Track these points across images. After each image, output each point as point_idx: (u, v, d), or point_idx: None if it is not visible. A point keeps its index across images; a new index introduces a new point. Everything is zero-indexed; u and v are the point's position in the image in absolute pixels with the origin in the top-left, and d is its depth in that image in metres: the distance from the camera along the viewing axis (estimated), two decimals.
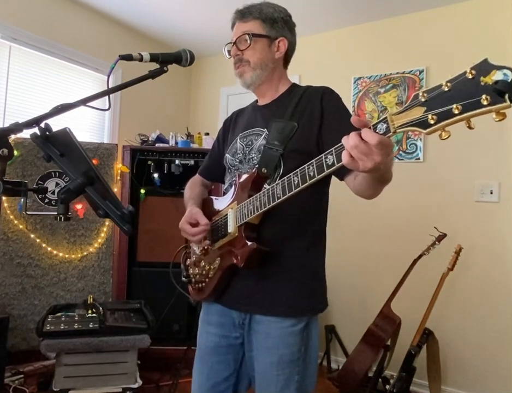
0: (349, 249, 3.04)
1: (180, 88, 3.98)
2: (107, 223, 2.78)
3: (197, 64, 3.89)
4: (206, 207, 1.30)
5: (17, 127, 0.83)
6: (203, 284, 1.25)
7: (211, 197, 1.36)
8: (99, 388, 2.20)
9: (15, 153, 2.46)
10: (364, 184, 0.99)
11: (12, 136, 0.88)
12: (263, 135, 1.21)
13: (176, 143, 3.23)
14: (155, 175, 3.02)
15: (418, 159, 2.81)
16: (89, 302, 2.50)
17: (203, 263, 1.27)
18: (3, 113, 2.65)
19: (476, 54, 2.58)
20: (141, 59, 1.06)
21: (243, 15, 1.25)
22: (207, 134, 3.44)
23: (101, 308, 2.41)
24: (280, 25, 1.25)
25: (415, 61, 2.82)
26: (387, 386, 2.40)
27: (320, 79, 3.23)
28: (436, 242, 2.46)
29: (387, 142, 0.74)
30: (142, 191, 3.00)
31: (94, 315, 2.36)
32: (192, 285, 1.31)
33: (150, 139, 3.23)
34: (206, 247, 1.27)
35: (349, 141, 0.75)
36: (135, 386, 2.26)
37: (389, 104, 2.93)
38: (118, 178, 2.93)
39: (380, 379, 2.46)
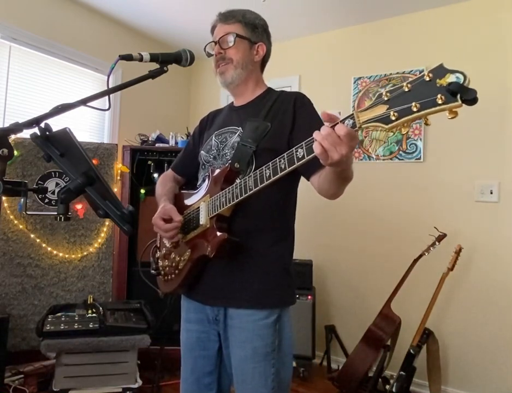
0: (348, 249, 3.04)
1: (180, 88, 3.98)
2: (107, 223, 2.78)
3: (197, 64, 3.87)
4: (178, 202, 1.32)
5: (17, 127, 0.83)
6: (173, 275, 1.26)
7: (183, 192, 1.39)
8: (99, 388, 2.20)
9: (15, 153, 2.46)
10: (327, 181, 1.04)
11: (12, 136, 0.88)
12: (237, 133, 1.26)
13: (176, 143, 3.23)
14: (155, 175, 3.02)
15: (418, 159, 2.81)
16: (89, 302, 2.51)
17: (173, 256, 1.28)
18: (3, 113, 2.65)
19: (476, 54, 2.60)
20: (141, 59, 1.06)
21: (226, 17, 1.31)
22: None
23: (101, 308, 2.41)
24: (260, 31, 1.33)
25: (415, 61, 2.82)
26: (387, 386, 2.40)
27: (320, 79, 3.24)
28: (436, 242, 2.46)
29: (355, 135, 0.81)
30: (142, 191, 3.00)
31: (94, 315, 2.36)
32: (161, 278, 1.33)
33: (150, 139, 3.23)
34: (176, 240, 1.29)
35: (321, 131, 0.81)
36: (135, 386, 2.26)
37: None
38: (118, 178, 2.93)
39: (380, 379, 2.46)
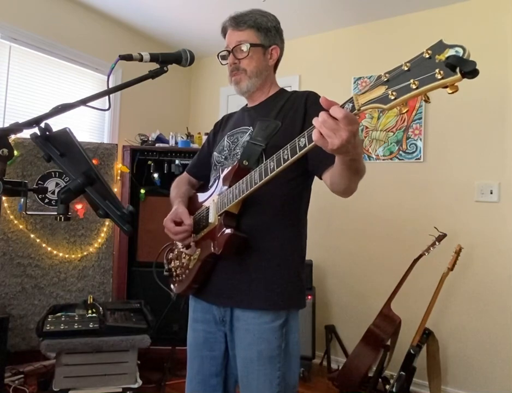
0: (348, 249, 3.04)
1: (180, 88, 3.98)
2: (107, 223, 2.78)
3: (197, 64, 3.88)
4: (192, 204, 1.33)
5: (17, 127, 0.83)
6: (183, 276, 1.27)
7: (197, 194, 1.39)
8: (99, 388, 2.20)
9: (15, 153, 2.46)
10: (338, 174, 1.01)
11: (12, 136, 0.88)
12: (248, 132, 1.27)
13: (176, 143, 3.23)
14: (155, 175, 3.02)
15: (418, 159, 2.81)
16: (89, 302, 2.50)
17: (184, 256, 1.29)
18: (3, 113, 2.65)
19: (476, 54, 2.59)
20: (141, 59, 1.06)
21: (237, 23, 1.29)
22: (207, 134, 3.44)
23: (101, 308, 2.41)
24: (273, 34, 1.32)
25: None
26: (387, 386, 2.40)
27: (320, 79, 3.24)
28: (436, 242, 2.46)
29: (353, 118, 0.78)
30: (142, 191, 3.00)
31: (94, 315, 2.36)
32: (173, 279, 1.33)
33: (150, 139, 3.23)
34: None
35: (318, 118, 0.80)
36: (135, 386, 2.26)
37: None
38: (118, 178, 2.93)
39: (380, 379, 2.46)
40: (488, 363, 2.50)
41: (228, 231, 1.10)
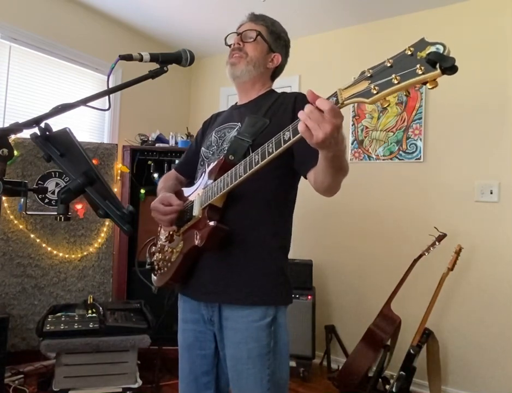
0: (348, 249, 3.04)
1: (180, 88, 3.98)
2: (107, 223, 2.78)
3: (197, 64, 3.88)
4: (178, 198, 1.33)
5: (17, 127, 0.83)
6: (165, 268, 1.26)
7: (182, 188, 1.40)
8: (99, 388, 2.20)
9: (15, 153, 2.46)
10: (321, 171, 1.02)
11: (12, 136, 0.88)
12: (236, 128, 1.28)
13: (176, 143, 3.23)
14: (155, 175, 3.03)
15: (418, 159, 2.81)
16: (89, 302, 2.50)
17: (166, 249, 1.29)
18: (3, 113, 2.65)
19: (476, 54, 2.60)
20: (141, 59, 1.06)
21: (256, 17, 1.36)
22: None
23: (101, 308, 2.41)
24: (281, 44, 1.37)
25: None
26: (387, 386, 2.40)
27: (319, 79, 3.24)
28: (436, 242, 2.46)
29: (338, 111, 0.80)
30: (142, 191, 3.00)
31: (94, 315, 2.36)
32: (155, 272, 1.33)
33: (150, 139, 3.23)
34: (171, 233, 1.29)
35: (304, 110, 0.81)
36: (135, 386, 2.26)
37: (389, 104, 2.93)
38: (118, 178, 2.93)
39: (380, 379, 2.46)
40: (489, 363, 2.50)
41: (211, 223, 1.10)
